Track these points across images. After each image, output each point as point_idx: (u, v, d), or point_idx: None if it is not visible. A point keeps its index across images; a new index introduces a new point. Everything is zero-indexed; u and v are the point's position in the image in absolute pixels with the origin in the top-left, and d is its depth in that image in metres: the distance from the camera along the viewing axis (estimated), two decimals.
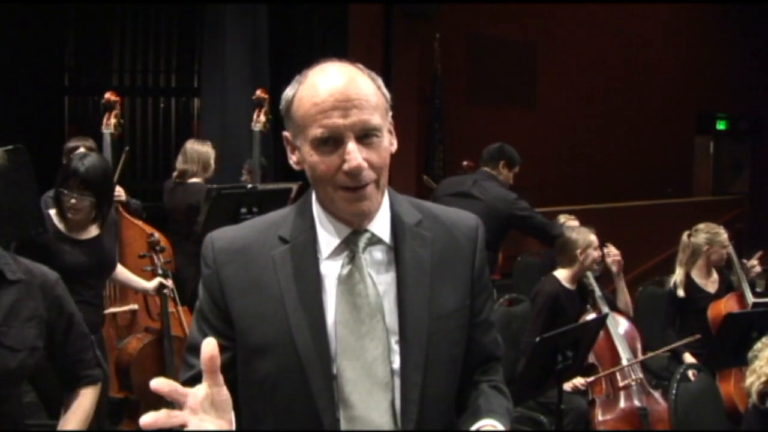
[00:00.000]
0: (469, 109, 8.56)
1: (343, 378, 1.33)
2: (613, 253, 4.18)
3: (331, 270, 1.37)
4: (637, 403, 3.71)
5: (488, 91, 8.84)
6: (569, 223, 4.90)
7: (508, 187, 4.73)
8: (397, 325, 1.36)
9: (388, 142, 1.37)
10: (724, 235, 4.42)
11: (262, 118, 4.83)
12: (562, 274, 4.00)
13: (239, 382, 1.36)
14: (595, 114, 9.63)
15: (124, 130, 5.47)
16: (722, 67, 11.35)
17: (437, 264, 1.41)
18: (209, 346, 1.11)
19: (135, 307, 4.14)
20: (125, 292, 4.05)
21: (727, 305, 4.21)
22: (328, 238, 1.39)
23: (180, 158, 4.88)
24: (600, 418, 3.66)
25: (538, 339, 3.00)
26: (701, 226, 4.50)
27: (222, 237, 1.43)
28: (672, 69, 10.57)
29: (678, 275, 4.44)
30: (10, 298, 1.83)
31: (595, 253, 3.97)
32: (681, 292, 4.39)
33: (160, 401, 1.09)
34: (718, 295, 4.36)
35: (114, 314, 4.06)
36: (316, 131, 1.30)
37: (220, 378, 1.13)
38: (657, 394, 3.79)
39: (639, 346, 3.96)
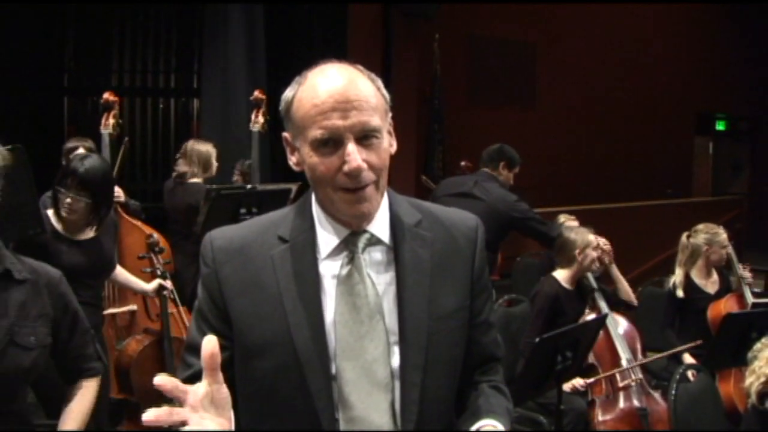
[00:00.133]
0: (469, 110, 8.56)
1: (343, 378, 1.33)
2: (602, 242, 4.16)
3: (330, 270, 1.37)
4: (636, 403, 3.71)
5: (488, 91, 8.85)
6: (568, 223, 4.90)
7: (508, 188, 4.73)
8: (397, 326, 1.36)
9: (388, 143, 1.37)
10: (723, 235, 4.42)
11: (261, 118, 4.83)
12: (561, 275, 4.00)
13: (238, 382, 1.36)
14: (594, 114, 9.64)
15: (123, 131, 5.47)
16: (722, 68, 11.37)
17: (437, 264, 1.41)
18: (210, 343, 1.11)
19: (134, 307, 4.13)
20: (124, 292, 4.04)
21: (727, 305, 4.21)
22: (327, 238, 1.39)
23: (180, 158, 4.88)
24: (599, 418, 3.66)
25: (537, 339, 3.00)
26: (700, 226, 4.50)
27: (221, 236, 1.43)
28: (671, 69, 10.58)
29: (678, 276, 4.44)
30: (19, 298, 1.85)
31: (594, 253, 3.96)
32: (680, 293, 4.39)
33: (160, 402, 1.09)
34: (718, 295, 4.36)
35: (113, 315, 4.06)
36: (316, 132, 1.30)
37: (220, 376, 1.13)
38: (656, 395, 3.79)
39: (639, 346, 3.96)
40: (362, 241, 1.38)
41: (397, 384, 1.35)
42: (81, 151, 4.15)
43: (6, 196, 1.84)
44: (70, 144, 4.36)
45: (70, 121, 7.02)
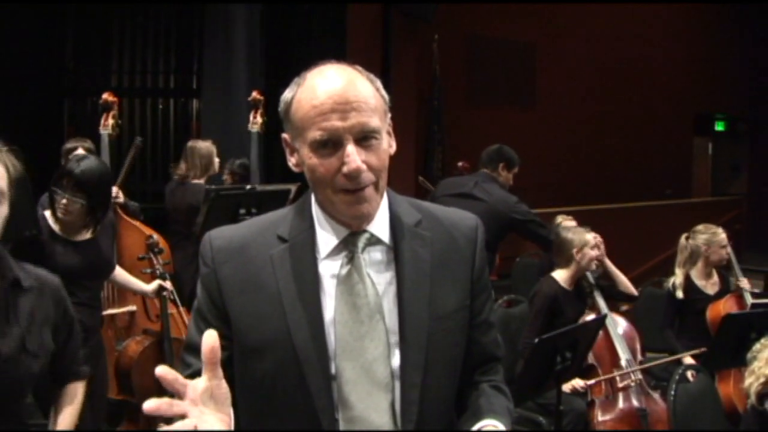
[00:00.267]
0: (468, 110, 8.56)
1: (342, 378, 1.33)
2: (593, 235, 4.14)
3: (329, 270, 1.37)
4: (636, 403, 3.72)
5: (487, 92, 8.85)
6: (566, 223, 4.90)
7: (507, 189, 4.73)
8: (397, 326, 1.36)
9: (387, 144, 1.37)
10: (721, 235, 4.42)
11: (259, 119, 4.84)
12: (560, 275, 4.00)
13: (237, 382, 1.36)
14: (593, 115, 9.64)
15: (123, 131, 5.47)
16: (721, 69, 11.37)
17: (437, 264, 1.41)
18: (210, 338, 1.11)
19: (133, 308, 4.13)
20: (123, 293, 4.04)
21: (726, 306, 4.21)
22: (326, 238, 1.39)
23: (182, 159, 4.89)
24: (599, 418, 3.66)
25: (537, 340, 3.01)
26: (699, 227, 4.50)
27: (220, 236, 1.43)
28: (671, 70, 10.59)
29: (677, 277, 4.44)
30: (27, 306, 1.88)
31: (592, 252, 3.95)
32: (680, 294, 4.39)
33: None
34: (718, 297, 4.36)
35: (112, 316, 4.06)
36: (315, 134, 1.30)
37: (220, 371, 1.13)
38: (656, 395, 3.79)
39: (638, 346, 3.96)
40: (362, 240, 1.38)
41: (397, 384, 1.35)
42: (80, 151, 4.15)
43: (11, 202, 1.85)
44: (69, 144, 4.37)
45: (69, 121, 7.02)
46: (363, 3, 7.19)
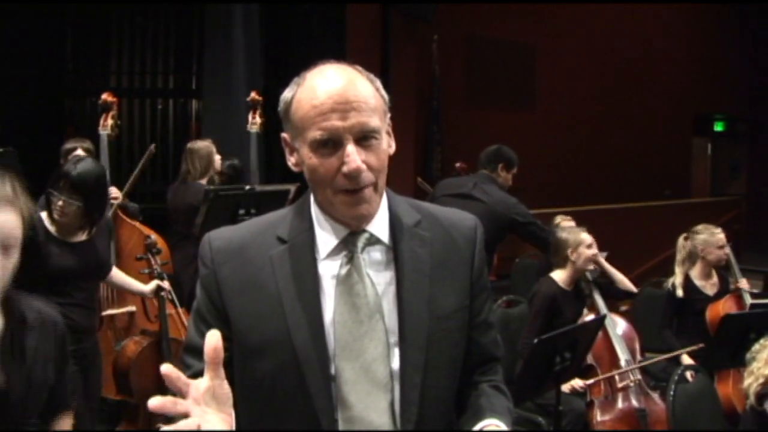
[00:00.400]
0: (467, 111, 8.56)
1: (342, 378, 1.33)
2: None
3: (329, 270, 1.37)
4: (635, 404, 3.72)
5: (486, 92, 8.85)
6: (564, 223, 4.90)
7: (507, 189, 4.73)
8: (397, 326, 1.36)
9: (387, 144, 1.37)
10: (718, 235, 4.42)
11: (258, 119, 4.84)
12: (558, 276, 4.00)
13: (237, 383, 1.35)
14: (593, 115, 9.64)
15: (122, 132, 5.46)
16: (720, 69, 11.37)
17: (436, 264, 1.41)
18: (213, 338, 1.11)
19: (133, 309, 4.14)
20: (123, 294, 4.05)
21: (726, 306, 4.21)
22: (326, 239, 1.39)
23: (182, 160, 4.90)
24: (598, 419, 3.66)
25: (536, 340, 3.01)
26: (698, 227, 4.51)
27: (220, 237, 1.43)
28: (670, 70, 10.59)
29: (677, 276, 4.45)
30: (33, 342, 1.89)
31: (587, 252, 3.94)
32: (680, 292, 4.39)
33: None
34: (717, 297, 4.36)
35: (112, 316, 4.06)
36: (315, 133, 1.30)
37: (222, 371, 1.13)
38: (655, 395, 3.79)
39: (637, 346, 3.96)
40: (361, 240, 1.38)
41: (397, 384, 1.35)
42: (79, 152, 4.15)
43: None
44: (68, 145, 4.37)
45: (69, 122, 7.01)
46: (362, 3, 7.19)
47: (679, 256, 4.51)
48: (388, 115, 1.39)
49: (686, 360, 4.03)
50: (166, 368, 1.08)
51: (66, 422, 2.13)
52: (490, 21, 8.72)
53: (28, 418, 1.89)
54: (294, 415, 1.34)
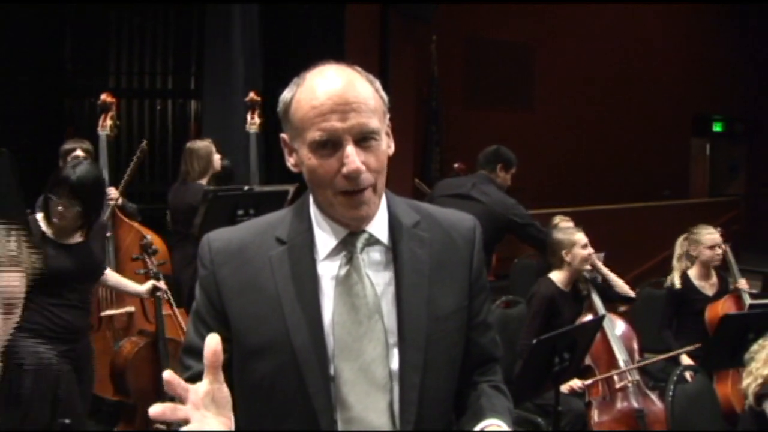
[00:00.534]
0: (466, 112, 8.57)
1: (341, 379, 1.33)
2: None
3: (328, 271, 1.37)
4: (634, 404, 3.72)
5: (485, 93, 8.85)
6: (563, 224, 4.91)
7: (505, 190, 4.73)
8: (396, 326, 1.36)
9: (386, 145, 1.37)
10: (709, 235, 4.42)
11: (257, 120, 4.83)
12: (556, 276, 4.00)
13: (236, 383, 1.35)
14: (591, 116, 9.65)
15: (121, 132, 5.46)
16: (719, 70, 11.38)
17: (435, 265, 1.41)
18: (213, 341, 1.11)
19: (131, 309, 4.13)
20: (121, 294, 4.04)
21: (724, 307, 4.22)
22: (325, 239, 1.39)
23: (181, 161, 4.90)
24: (597, 419, 3.67)
25: (535, 341, 3.01)
26: (694, 228, 4.52)
27: (219, 238, 1.43)
28: (669, 71, 10.59)
29: (675, 270, 4.48)
30: (29, 387, 1.88)
31: (582, 252, 3.94)
32: (677, 283, 4.41)
33: (155, 403, 1.09)
34: (716, 297, 4.36)
35: (111, 317, 4.06)
36: (315, 134, 1.30)
37: (221, 375, 1.13)
38: (654, 396, 3.79)
39: (636, 347, 3.96)
40: (360, 241, 1.38)
41: (396, 384, 1.35)
42: (79, 152, 4.16)
43: None
44: (67, 145, 4.37)
45: (68, 122, 7.01)
46: (361, 3, 7.20)
47: (676, 253, 4.53)
48: (388, 116, 1.39)
49: (685, 360, 4.03)
50: (169, 374, 1.08)
51: None
52: (489, 21, 8.73)
53: None
54: (293, 416, 1.34)
